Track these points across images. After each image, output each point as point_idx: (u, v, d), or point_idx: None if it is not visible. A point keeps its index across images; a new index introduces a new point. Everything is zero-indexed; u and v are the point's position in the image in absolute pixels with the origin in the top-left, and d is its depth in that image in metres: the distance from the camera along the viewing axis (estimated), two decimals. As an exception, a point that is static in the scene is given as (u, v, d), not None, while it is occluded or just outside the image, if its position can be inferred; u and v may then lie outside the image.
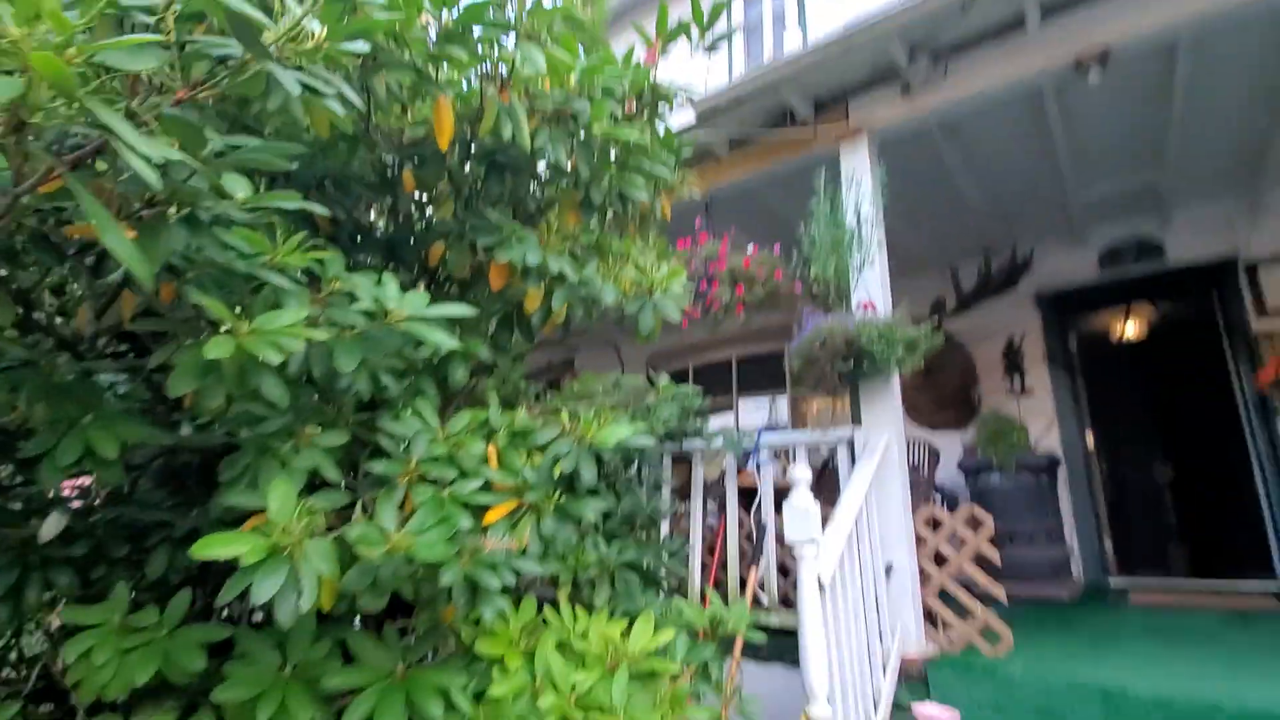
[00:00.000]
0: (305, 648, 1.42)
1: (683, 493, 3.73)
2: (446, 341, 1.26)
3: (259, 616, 1.69)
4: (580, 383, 2.81)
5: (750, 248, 3.86)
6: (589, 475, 1.55)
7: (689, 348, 7.77)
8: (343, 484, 1.47)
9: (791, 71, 3.49)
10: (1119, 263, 5.52)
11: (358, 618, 1.69)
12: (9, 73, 0.59)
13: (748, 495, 3.85)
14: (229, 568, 1.15)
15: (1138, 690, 2.34)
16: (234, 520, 1.31)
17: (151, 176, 0.66)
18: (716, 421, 7.62)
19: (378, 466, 1.37)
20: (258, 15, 0.69)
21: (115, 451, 1.18)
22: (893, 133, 3.65)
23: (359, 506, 1.31)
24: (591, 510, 1.59)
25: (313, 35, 0.78)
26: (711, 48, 1.82)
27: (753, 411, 7.66)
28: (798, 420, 7.26)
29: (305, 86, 0.80)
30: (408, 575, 1.24)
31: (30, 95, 0.60)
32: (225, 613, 1.73)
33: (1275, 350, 4.72)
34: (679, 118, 3.31)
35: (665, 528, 3.32)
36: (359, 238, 1.74)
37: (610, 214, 1.88)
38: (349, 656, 1.47)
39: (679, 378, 8.24)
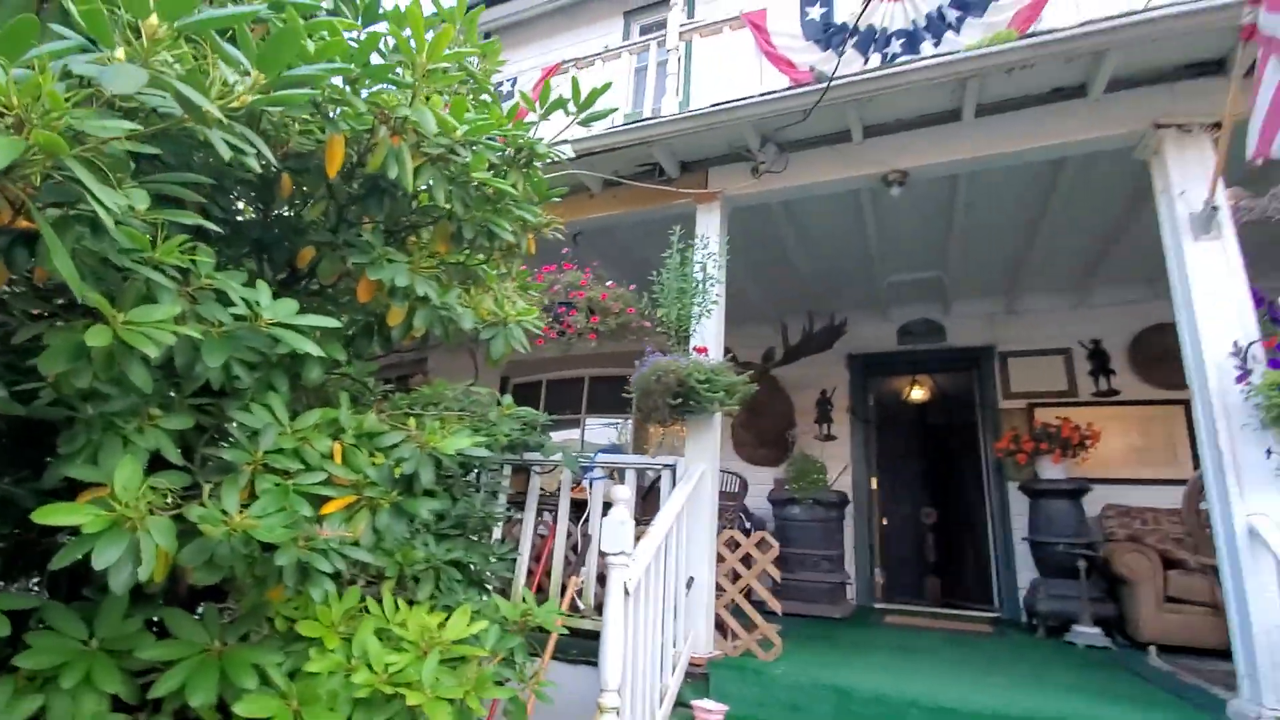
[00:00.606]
0: (117, 622, 1.47)
1: (520, 501, 3.96)
2: (311, 349, 1.42)
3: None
4: (432, 388, 2.94)
5: (609, 283, 4.22)
6: (427, 477, 1.74)
7: (545, 362, 7.97)
8: (184, 466, 1.54)
9: (661, 135, 3.92)
10: (911, 337, 6.63)
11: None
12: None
13: (580, 508, 4.14)
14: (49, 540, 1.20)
15: (862, 689, 2.92)
16: (65, 491, 1.37)
17: (110, 223, 0.80)
18: (563, 436, 7.90)
19: (226, 453, 1.48)
20: (201, 100, 0.85)
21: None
22: (742, 202, 4.20)
23: (205, 490, 1.41)
24: (425, 509, 1.78)
25: (238, 95, 0.95)
26: (584, 123, 2.13)
27: (600, 430, 8.03)
28: (640, 442, 7.72)
29: (232, 147, 0.96)
30: (244, 555, 1.36)
31: (26, 154, 0.72)
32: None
33: (1012, 425, 5.92)
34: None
35: (498, 533, 3.51)
36: (231, 231, 1.81)
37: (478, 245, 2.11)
38: (166, 635, 1.53)
39: (533, 389, 8.41)
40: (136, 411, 1.46)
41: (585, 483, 4.20)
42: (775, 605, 3.50)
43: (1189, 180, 3.01)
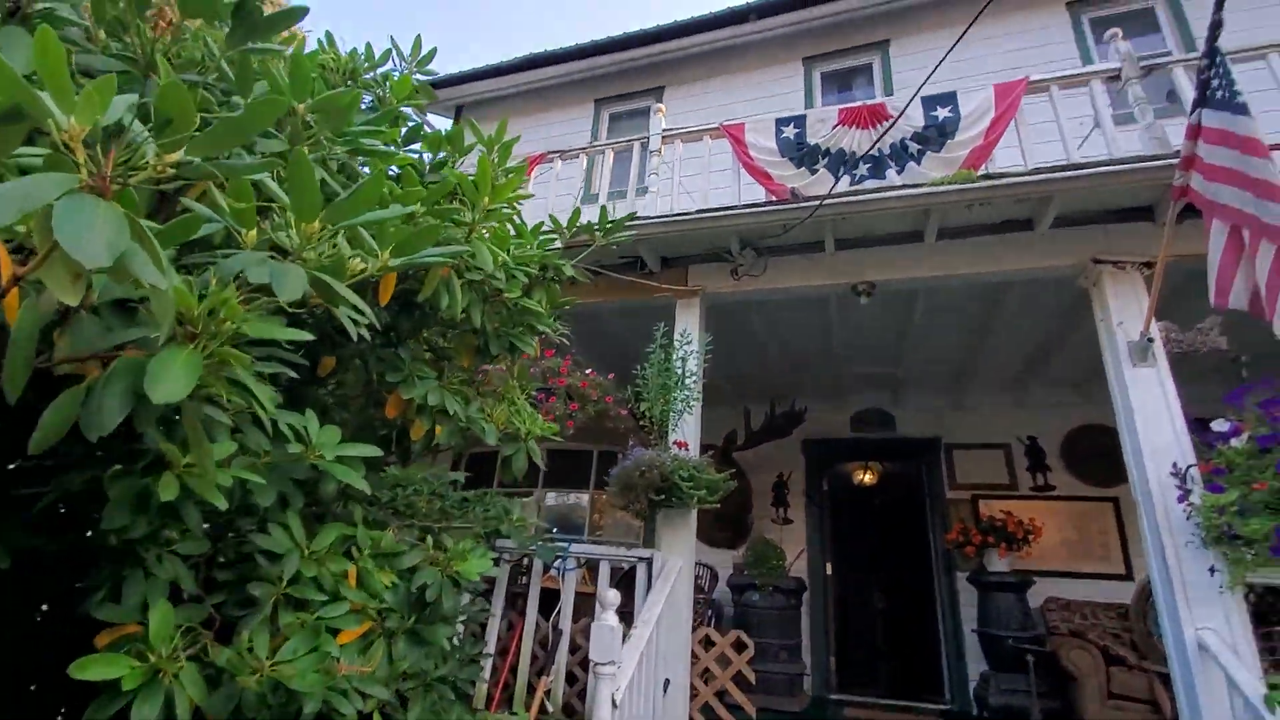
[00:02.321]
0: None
1: (484, 591, 3.82)
2: (362, 486, 1.40)
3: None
4: (401, 470, 2.84)
5: (589, 370, 4.28)
6: (449, 604, 1.70)
7: (503, 435, 7.84)
8: (198, 595, 1.46)
9: (647, 233, 4.10)
10: (864, 426, 6.91)
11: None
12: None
13: (549, 598, 4.03)
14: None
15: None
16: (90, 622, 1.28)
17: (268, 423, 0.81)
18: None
19: (254, 589, 1.41)
20: (340, 289, 0.89)
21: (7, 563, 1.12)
22: (721, 300, 4.39)
23: (242, 635, 1.34)
24: (445, 638, 1.73)
25: (364, 274, 0.99)
26: (606, 241, 2.24)
27: (553, 501, 7.90)
28: (595, 516, 7.62)
29: (350, 319, 0.99)
30: (274, 702, 1.29)
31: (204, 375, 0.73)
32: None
33: (959, 516, 6.19)
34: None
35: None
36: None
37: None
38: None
39: (488, 460, 8.18)
40: (156, 537, 1.40)
41: (556, 572, 4.11)
42: (750, 709, 3.46)
43: (1126, 312, 3.37)
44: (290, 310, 1.09)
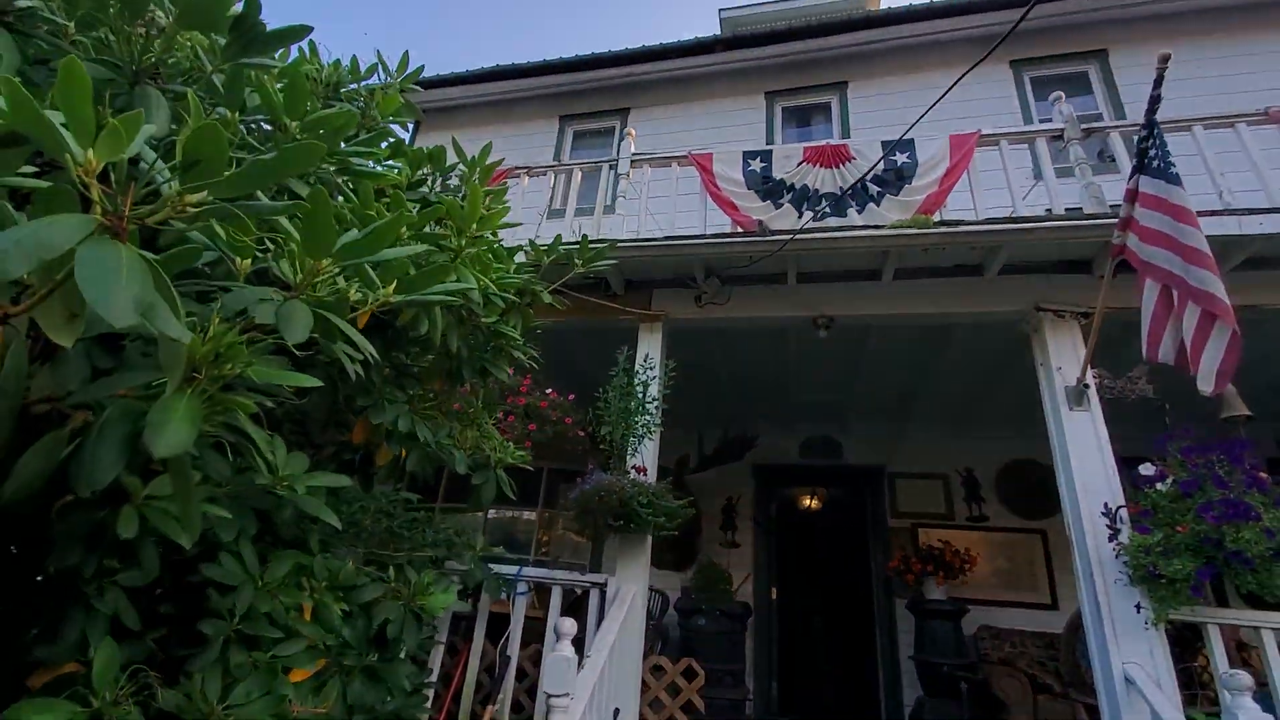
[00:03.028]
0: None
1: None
2: (330, 519, 1.34)
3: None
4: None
5: (549, 391, 4.23)
6: (411, 640, 1.63)
7: (451, 449, 7.64)
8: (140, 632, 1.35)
9: (616, 257, 4.10)
10: (812, 453, 7.07)
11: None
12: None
13: (495, 622, 3.92)
14: None
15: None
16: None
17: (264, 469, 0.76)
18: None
19: (205, 627, 1.32)
20: (342, 324, 0.85)
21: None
22: (684, 326, 4.43)
23: (195, 678, 1.24)
24: (407, 679, 1.65)
25: (365, 310, 0.94)
26: (585, 269, 2.24)
27: (499, 515, 7.76)
28: (541, 534, 7.51)
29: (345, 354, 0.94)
30: (222, 751, 1.21)
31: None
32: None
33: (900, 544, 6.38)
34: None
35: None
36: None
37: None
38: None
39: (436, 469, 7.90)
40: (100, 568, 1.29)
41: (505, 596, 4.00)
42: (700, 739, 3.45)
43: (1064, 357, 3.58)
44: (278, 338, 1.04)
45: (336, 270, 0.85)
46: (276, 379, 0.78)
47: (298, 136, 1.16)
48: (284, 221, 0.84)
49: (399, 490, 2.79)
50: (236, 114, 1.10)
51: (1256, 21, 6.59)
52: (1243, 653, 3.74)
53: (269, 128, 1.42)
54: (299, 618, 1.59)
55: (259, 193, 0.78)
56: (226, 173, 0.58)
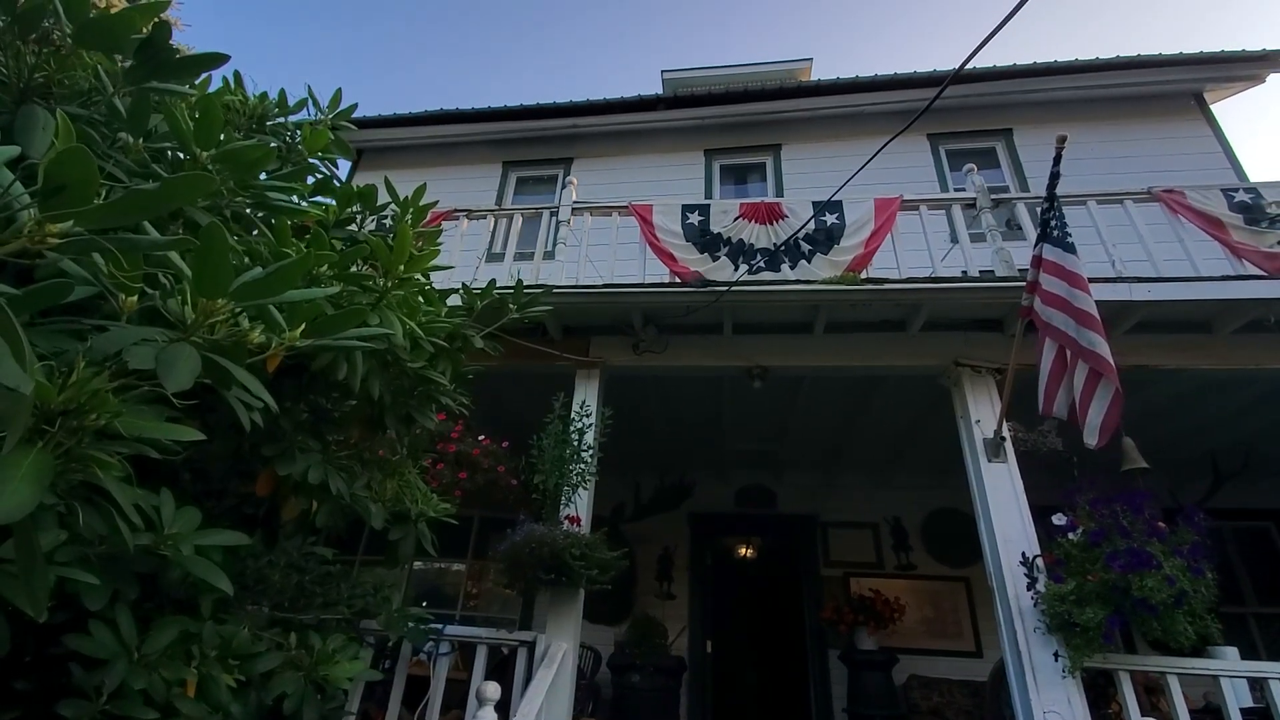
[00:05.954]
0: None
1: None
2: (224, 586, 1.20)
3: None
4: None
5: (481, 438, 4.09)
6: (312, 716, 1.48)
7: (375, 497, 7.26)
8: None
9: (552, 301, 4.07)
10: (747, 501, 7.10)
11: None
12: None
13: (413, 685, 3.66)
14: None
15: None
16: None
17: (128, 533, 0.66)
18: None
19: (67, 710, 1.15)
20: (240, 373, 0.77)
21: None
22: (621, 373, 4.41)
23: None
24: (305, 760, 1.49)
25: (270, 353, 0.87)
26: (521, 315, 2.20)
27: (425, 567, 7.38)
28: (469, 585, 7.18)
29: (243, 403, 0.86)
30: None
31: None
32: None
33: (832, 593, 6.41)
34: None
35: None
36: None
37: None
38: None
39: (353, 524, 7.49)
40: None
41: (425, 657, 3.75)
42: (630, 808, 3.27)
43: (981, 410, 3.76)
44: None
45: (236, 310, 0.78)
46: (150, 430, 0.69)
47: (208, 167, 1.09)
48: (175, 258, 0.77)
49: (313, 544, 2.59)
50: (140, 140, 1.02)
51: (1138, 112, 7.41)
52: (1153, 696, 3.89)
53: (184, 156, 1.34)
54: (182, 694, 1.42)
55: (148, 225, 0.72)
56: (97, 201, 0.51)
